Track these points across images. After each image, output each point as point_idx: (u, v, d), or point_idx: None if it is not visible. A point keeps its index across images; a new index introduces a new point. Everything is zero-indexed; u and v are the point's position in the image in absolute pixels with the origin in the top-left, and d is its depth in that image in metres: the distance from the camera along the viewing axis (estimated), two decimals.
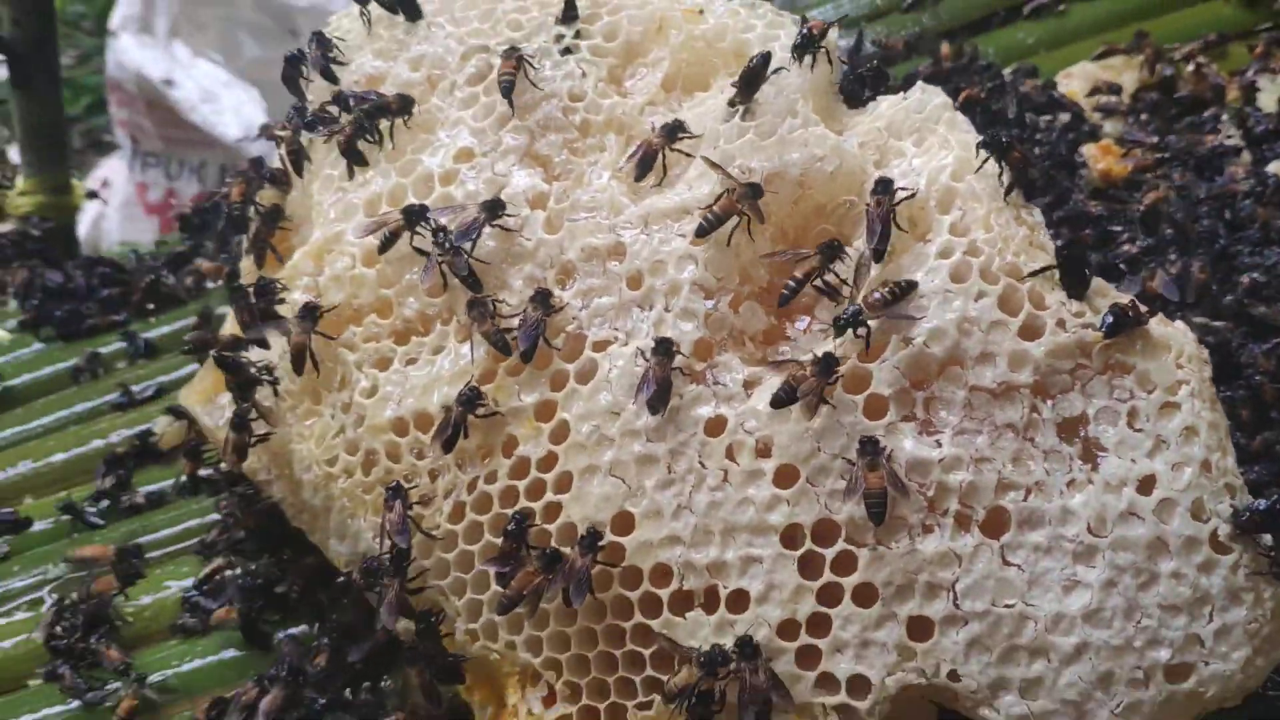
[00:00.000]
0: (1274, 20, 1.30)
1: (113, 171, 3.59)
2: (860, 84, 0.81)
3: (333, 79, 0.85)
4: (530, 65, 0.78)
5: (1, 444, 1.18)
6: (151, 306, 1.31)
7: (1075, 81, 1.28)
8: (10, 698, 0.94)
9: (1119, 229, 1.05)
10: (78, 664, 0.92)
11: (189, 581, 0.98)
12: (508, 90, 0.77)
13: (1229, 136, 1.14)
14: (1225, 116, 1.15)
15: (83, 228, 3.19)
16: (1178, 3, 1.38)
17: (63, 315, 1.27)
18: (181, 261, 1.35)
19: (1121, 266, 1.00)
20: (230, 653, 0.93)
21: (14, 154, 1.97)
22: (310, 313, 0.76)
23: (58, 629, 0.94)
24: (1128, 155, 1.13)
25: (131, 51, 3.57)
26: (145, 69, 3.48)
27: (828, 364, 0.64)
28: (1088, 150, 1.16)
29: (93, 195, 1.78)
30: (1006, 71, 1.29)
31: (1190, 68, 1.25)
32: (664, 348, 0.68)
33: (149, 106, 3.48)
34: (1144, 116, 1.21)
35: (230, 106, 2.71)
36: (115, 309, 1.30)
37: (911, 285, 0.66)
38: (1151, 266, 0.99)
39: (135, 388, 1.18)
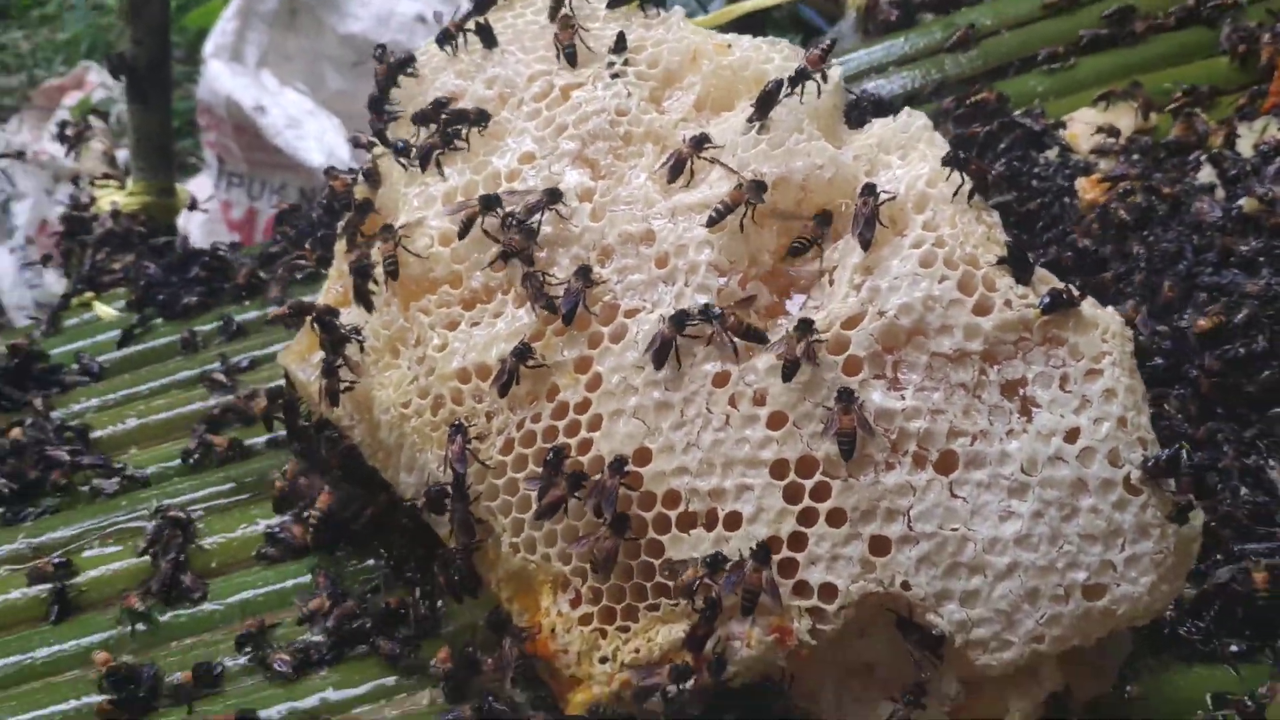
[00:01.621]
0: (1260, 78, 1.44)
1: (198, 189, 3.84)
2: (861, 110, 0.96)
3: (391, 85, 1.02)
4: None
5: (114, 402, 1.37)
6: (244, 295, 1.50)
7: (1078, 125, 1.43)
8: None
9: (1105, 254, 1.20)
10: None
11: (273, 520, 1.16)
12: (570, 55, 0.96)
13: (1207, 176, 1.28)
14: (1204, 158, 1.29)
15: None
16: (1177, 59, 1.52)
17: (164, 298, 1.46)
18: (272, 259, 1.54)
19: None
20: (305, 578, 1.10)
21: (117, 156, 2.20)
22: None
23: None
24: (1113, 188, 1.27)
25: (223, 78, 3.82)
26: (235, 94, 3.73)
27: (804, 326, 0.79)
28: (1080, 183, 1.30)
29: (194, 205, 1.97)
30: (1017, 112, 1.45)
31: (1180, 116, 1.39)
32: (679, 319, 0.84)
33: (236, 130, 3.72)
34: (1135, 156, 1.35)
35: (313, 134, 2.92)
36: (213, 295, 1.50)
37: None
38: (1135, 302, 1.13)
39: (233, 359, 1.37)
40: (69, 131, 2.11)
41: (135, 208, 1.89)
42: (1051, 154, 1.33)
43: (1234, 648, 0.91)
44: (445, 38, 1.03)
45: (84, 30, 4.89)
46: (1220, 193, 1.24)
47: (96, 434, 1.32)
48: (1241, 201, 1.20)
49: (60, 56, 5.10)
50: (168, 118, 1.97)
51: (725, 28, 1.55)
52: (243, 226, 3.07)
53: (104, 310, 1.61)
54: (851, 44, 1.75)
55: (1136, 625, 0.80)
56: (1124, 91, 1.43)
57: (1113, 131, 1.36)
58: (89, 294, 1.65)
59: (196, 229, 3.70)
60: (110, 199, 1.93)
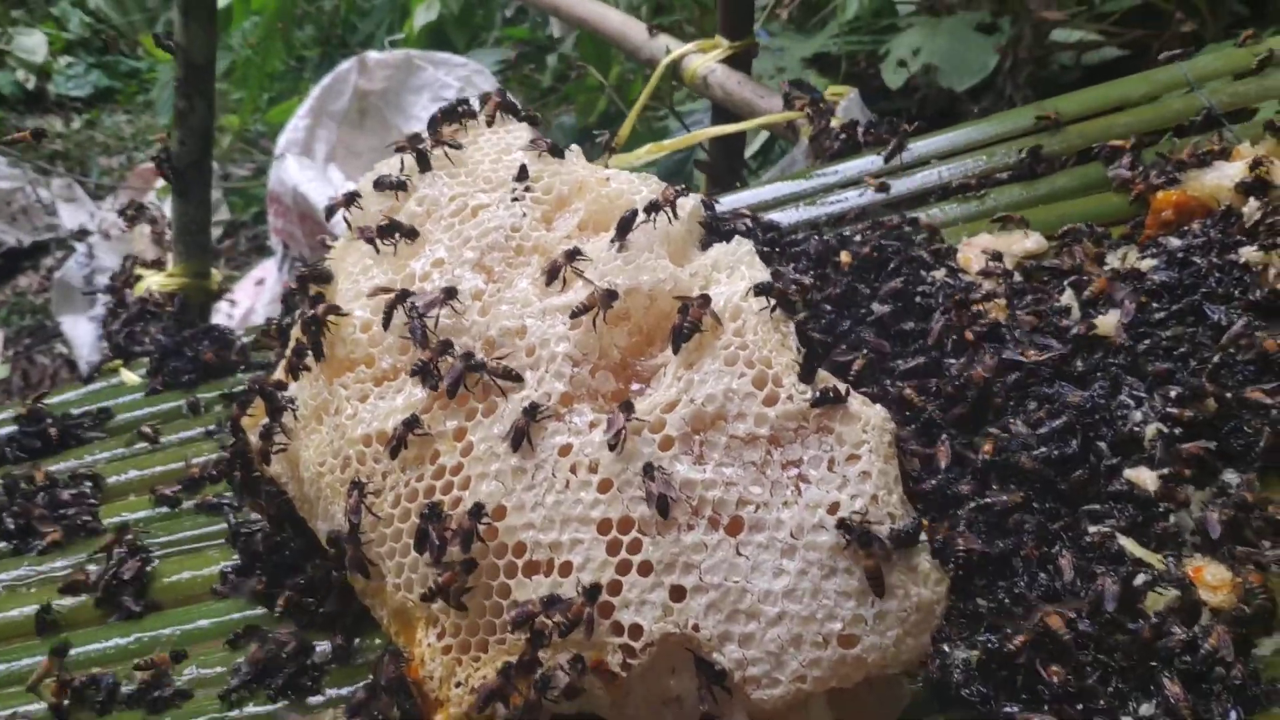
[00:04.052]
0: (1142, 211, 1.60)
1: (267, 272, 4.16)
2: (714, 234, 1.15)
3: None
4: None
5: (121, 456, 1.60)
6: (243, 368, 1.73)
7: (973, 250, 1.59)
8: None
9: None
10: None
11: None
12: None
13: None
14: (1066, 283, 1.45)
15: (238, 314, 3.76)
16: (1076, 193, 1.69)
17: (170, 368, 1.69)
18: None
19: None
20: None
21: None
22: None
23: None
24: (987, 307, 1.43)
25: (292, 171, 4.16)
26: (302, 186, 4.05)
27: (626, 408, 0.97)
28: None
29: (222, 293, 2.22)
30: (918, 238, 1.62)
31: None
32: (530, 410, 1.02)
33: (301, 218, 4.04)
34: (1016, 279, 1.51)
35: None
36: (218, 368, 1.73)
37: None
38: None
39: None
40: (130, 213, 2.39)
41: (173, 288, 2.15)
42: (939, 274, 1.49)
43: (1008, 710, 1.04)
44: (401, 150, 1.25)
45: None
46: (1076, 313, 1.39)
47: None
48: (1096, 320, 1.36)
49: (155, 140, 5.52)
50: (206, 211, 2.24)
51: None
52: None
53: (128, 376, 1.84)
54: (803, 167, 1.95)
55: (890, 672, 0.95)
56: (1018, 220, 1.60)
57: (997, 256, 1.52)
58: (118, 361, 1.89)
59: (263, 307, 4.03)
60: (153, 279, 2.20)
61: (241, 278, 4.34)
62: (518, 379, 1.04)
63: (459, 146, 1.24)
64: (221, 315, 3.75)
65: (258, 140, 5.78)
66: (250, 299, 4.16)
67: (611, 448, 0.98)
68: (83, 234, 4.83)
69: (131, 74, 6.62)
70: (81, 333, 4.18)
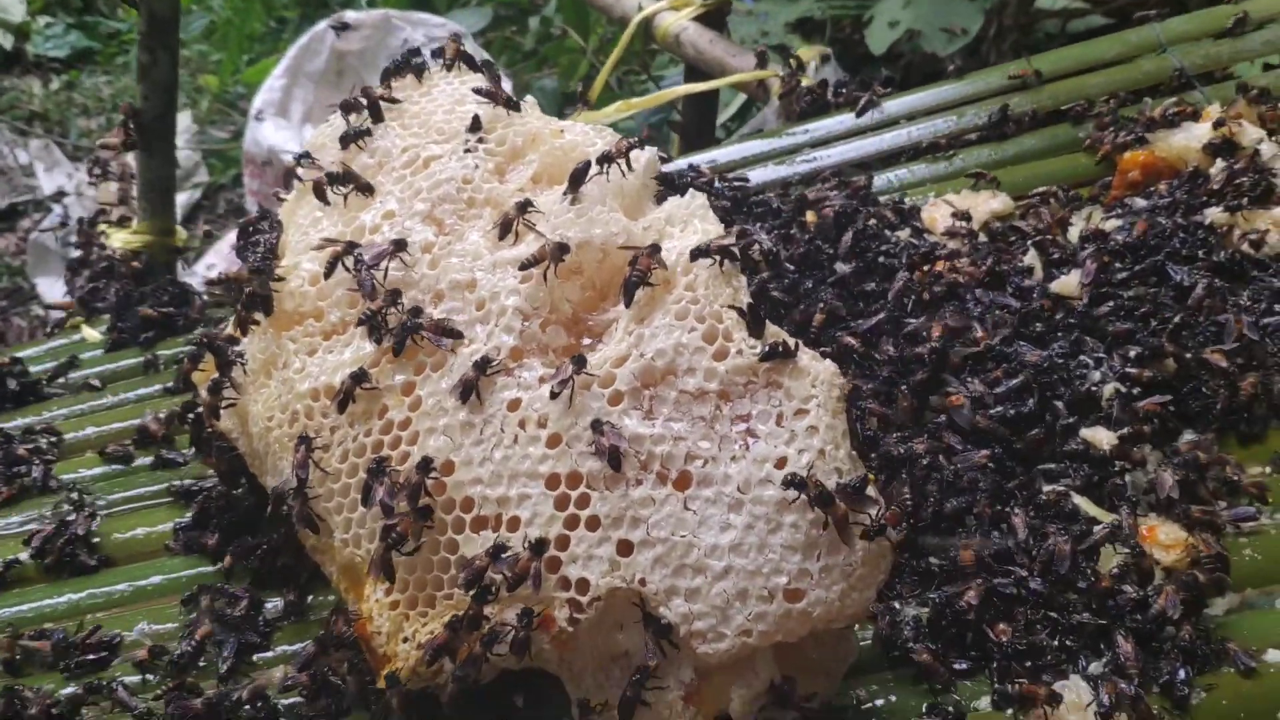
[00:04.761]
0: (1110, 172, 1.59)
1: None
2: (669, 188, 1.13)
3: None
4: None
5: (80, 413, 1.58)
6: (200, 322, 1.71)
7: (938, 210, 1.58)
8: None
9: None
10: None
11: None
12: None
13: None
14: (1030, 243, 1.44)
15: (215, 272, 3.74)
16: (1045, 154, 1.68)
17: (129, 325, 1.67)
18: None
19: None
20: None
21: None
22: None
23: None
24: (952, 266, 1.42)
25: (268, 132, 4.11)
26: (278, 148, 4.01)
27: (579, 361, 0.96)
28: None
29: (183, 249, 2.19)
30: (884, 197, 1.61)
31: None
32: (480, 364, 1.01)
33: (277, 180, 4.00)
34: (981, 239, 1.51)
35: None
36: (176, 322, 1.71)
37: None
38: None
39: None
40: (95, 170, 2.36)
41: (137, 245, 2.12)
42: (903, 234, 1.48)
43: (958, 665, 1.04)
44: (347, 108, 1.23)
45: None
46: (1039, 274, 1.38)
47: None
48: (1054, 284, 1.35)
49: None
50: (170, 166, 2.21)
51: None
52: None
53: (89, 333, 1.82)
54: (774, 127, 1.93)
55: (835, 627, 0.94)
56: (989, 178, 1.59)
57: (964, 216, 1.51)
58: (79, 317, 1.87)
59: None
60: (118, 236, 2.17)
61: (219, 239, 4.30)
62: (457, 335, 1.02)
63: (396, 101, 1.22)
64: (197, 278, 3.73)
65: (236, 102, 5.71)
66: (227, 261, 4.13)
67: (554, 396, 0.97)
68: (60, 195, 4.78)
69: (111, 35, 6.51)
70: (57, 294, 4.14)
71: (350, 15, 4.19)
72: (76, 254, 2.14)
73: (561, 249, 1.03)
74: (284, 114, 4.36)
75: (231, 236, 4.29)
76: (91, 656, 1.18)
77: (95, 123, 6.02)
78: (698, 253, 0.99)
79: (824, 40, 3.57)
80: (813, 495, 0.89)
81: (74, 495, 1.36)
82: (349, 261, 1.09)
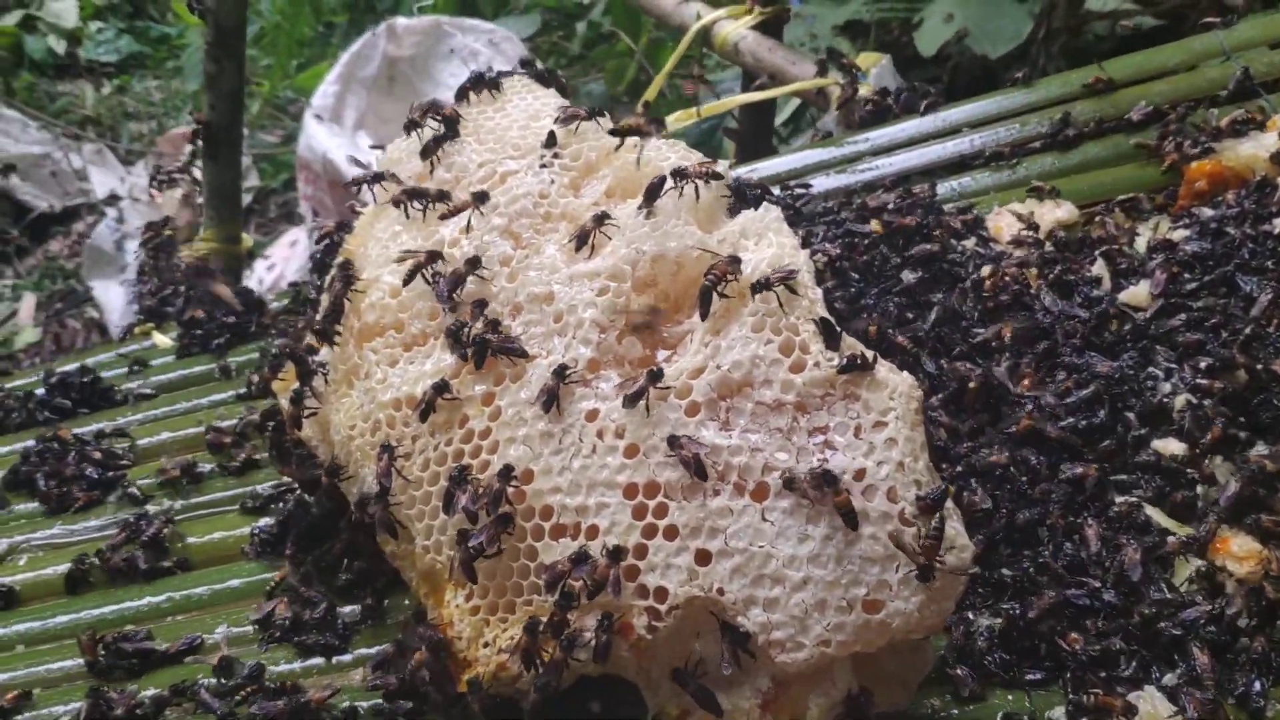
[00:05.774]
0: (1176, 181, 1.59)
1: (298, 237, 4.17)
2: (741, 200, 1.15)
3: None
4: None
5: (155, 418, 1.62)
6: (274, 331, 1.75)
7: (1004, 218, 1.58)
8: None
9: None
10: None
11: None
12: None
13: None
14: (1098, 252, 1.43)
15: (270, 280, 3.79)
16: (1108, 163, 1.68)
17: (200, 333, 1.71)
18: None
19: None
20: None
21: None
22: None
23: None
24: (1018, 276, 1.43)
25: (321, 138, 4.16)
26: (331, 153, 4.06)
27: (653, 375, 0.98)
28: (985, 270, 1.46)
29: (253, 254, 2.23)
30: (947, 206, 1.61)
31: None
32: (559, 371, 1.03)
33: (330, 185, 4.05)
34: (1048, 248, 1.50)
35: None
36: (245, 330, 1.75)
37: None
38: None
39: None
40: (160, 177, 2.41)
41: (204, 252, 2.17)
42: (970, 243, 1.49)
43: (1031, 676, 1.05)
44: (411, 126, 1.25)
45: None
46: (1107, 284, 1.38)
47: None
48: (1123, 294, 1.35)
49: (188, 107, 5.54)
50: (237, 174, 2.25)
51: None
52: None
53: (160, 339, 1.86)
54: (837, 135, 1.94)
55: (913, 638, 0.95)
56: (1049, 190, 1.59)
57: (1031, 225, 1.51)
58: (149, 324, 1.91)
59: (293, 273, 4.04)
60: (185, 245, 2.21)
61: (271, 244, 4.36)
62: (523, 354, 1.04)
63: (458, 119, 1.25)
64: (254, 280, 3.78)
65: (287, 106, 5.79)
66: (282, 264, 4.18)
67: (627, 405, 0.99)
68: (113, 199, 4.87)
69: (161, 39, 6.62)
70: (112, 297, 4.22)
71: (401, 22, 4.24)
72: (145, 262, 2.19)
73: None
74: (337, 120, 4.40)
75: (290, 235, 4.35)
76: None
77: (146, 126, 6.12)
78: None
79: (870, 42, 3.57)
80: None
81: (149, 500, 1.39)
82: (428, 274, 1.12)
